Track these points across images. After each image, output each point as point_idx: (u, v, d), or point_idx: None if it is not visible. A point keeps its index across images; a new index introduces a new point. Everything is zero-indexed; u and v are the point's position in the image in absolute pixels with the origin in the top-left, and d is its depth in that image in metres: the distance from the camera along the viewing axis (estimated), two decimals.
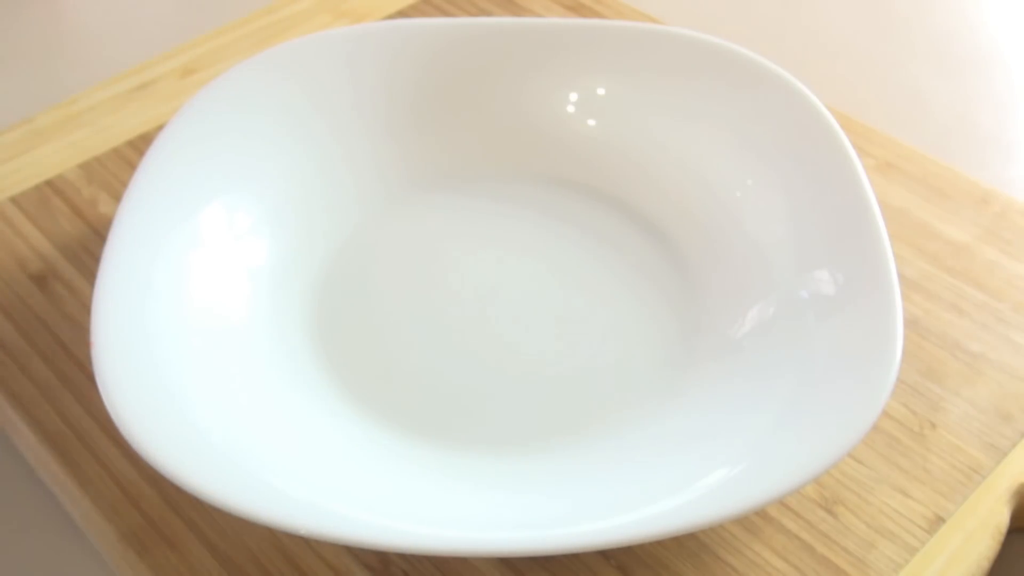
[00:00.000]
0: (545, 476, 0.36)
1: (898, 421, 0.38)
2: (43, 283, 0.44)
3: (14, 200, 0.47)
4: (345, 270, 0.43)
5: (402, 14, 0.57)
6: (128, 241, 0.38)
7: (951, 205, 0.46)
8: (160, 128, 0.44)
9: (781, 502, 0.36)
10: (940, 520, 0.36)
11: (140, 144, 0.50)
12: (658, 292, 0.42)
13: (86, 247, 0.45)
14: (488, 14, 0.57)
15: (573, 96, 0.47)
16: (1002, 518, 0.36)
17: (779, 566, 0.35)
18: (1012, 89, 0.57)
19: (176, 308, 0.38)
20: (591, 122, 0.47)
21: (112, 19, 0.64)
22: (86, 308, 0.42)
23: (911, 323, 0.41)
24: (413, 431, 0.37)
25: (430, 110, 0.47)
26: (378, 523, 0.32)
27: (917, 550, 0.35)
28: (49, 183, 0.48)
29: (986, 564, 0.35)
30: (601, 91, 0.47)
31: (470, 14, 0.57)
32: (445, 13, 0.57)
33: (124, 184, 0.47)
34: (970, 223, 0.45)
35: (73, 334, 0.42)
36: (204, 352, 0.37)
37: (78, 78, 0.57)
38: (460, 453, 0.37)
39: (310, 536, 0.31)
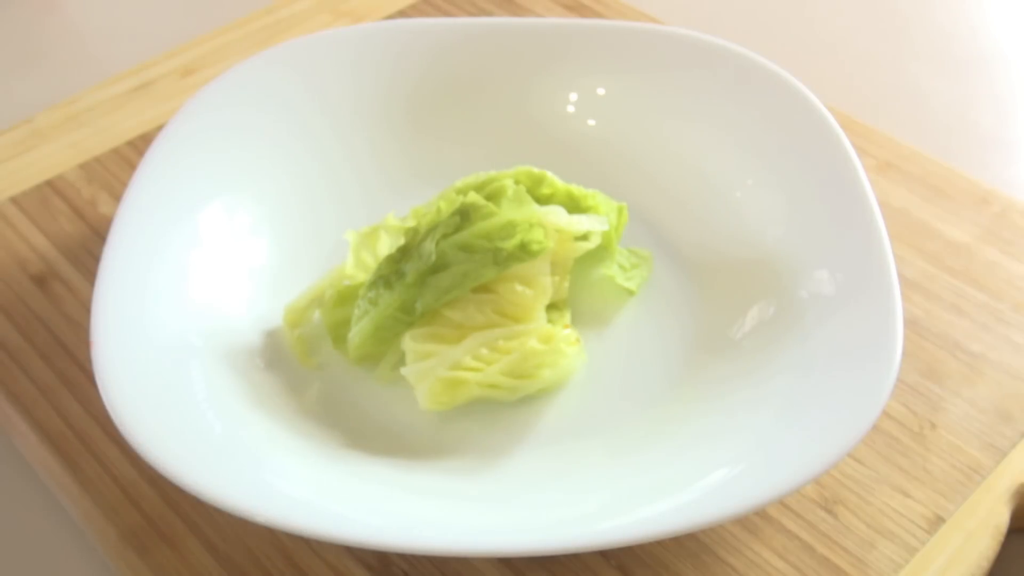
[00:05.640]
0: (545, 477, 0.36)
1: (898, 421, 0.38)
2: (43, 283, 0.44)
3: (14, 200, 0.47)
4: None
5: (402, 14, 0.57)
6: (128, 241, 0.38)
7: (951, 205, 0.46)
8: (160, 128, 0.44)
9: (781, 502, 0.36)
10: (940, 520, 0.36)
11: (140, 144, 0.50)
12: (658, 292, 0.42)
13: (86, 247, 0.45)
14: (488, 14, 0.57)
15: (573, 96, 0.47)
16: (1002, 518, 0.36)
17: (779, 566, 0.35)
18: (1012, 89, 0.57)
19: (176, 308, 0.38)
20: (591, 122, 0.47)
21: (112, 19, 0.64)
22: (86, 308, 0.42)
23: (911, 323, 0.41)
24: (413, 431, 0.37)
25: (431, 110, 0.47)
26: (378, 523, 0.32)
27: (917, 550, 0.35)
28: (49, 183, 0.48)
29: (986, 564, 0.35)
30: (601, 91, 0.47)
31: (470, 14, 0.57)
32: (445, 13, 0.57)
33: (124, 184, 0.47)
34: (970, 223, 0.45)
35: (73, 334, 0.42)
36: (204, 352, 0.37)
37: (78, 78, 0.58)
38: (460, 454, 0.37)
39: (310, 536, 0.31)
